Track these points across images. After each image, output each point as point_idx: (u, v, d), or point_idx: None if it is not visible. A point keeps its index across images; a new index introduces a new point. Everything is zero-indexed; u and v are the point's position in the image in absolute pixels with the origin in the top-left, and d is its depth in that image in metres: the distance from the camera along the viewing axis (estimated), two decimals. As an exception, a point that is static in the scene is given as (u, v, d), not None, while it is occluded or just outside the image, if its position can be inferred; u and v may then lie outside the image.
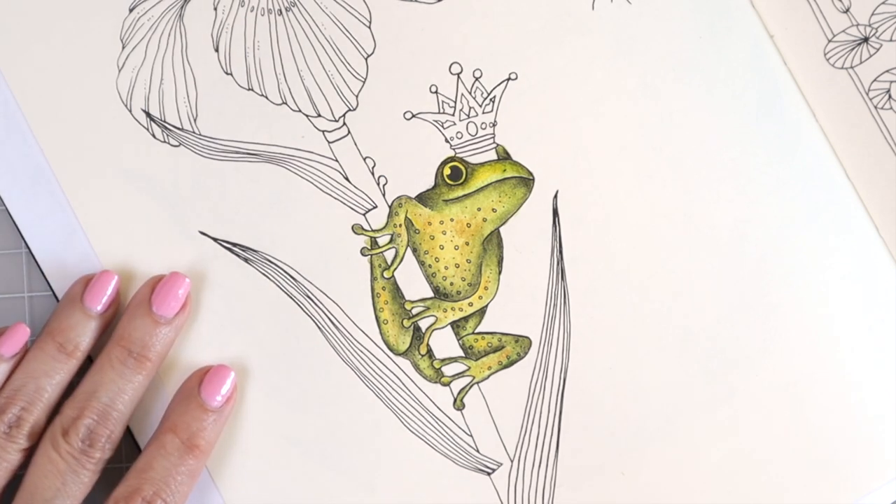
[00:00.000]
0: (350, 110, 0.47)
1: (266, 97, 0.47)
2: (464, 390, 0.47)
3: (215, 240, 0.47)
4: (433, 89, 0.47)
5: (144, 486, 0.43)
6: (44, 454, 0.43)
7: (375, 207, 0.47)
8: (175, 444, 0.44)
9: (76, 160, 0.47)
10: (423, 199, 0.47)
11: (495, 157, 0.47)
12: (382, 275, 0.47)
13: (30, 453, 0.44)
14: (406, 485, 0.47)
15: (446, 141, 0.47)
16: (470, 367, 0.47)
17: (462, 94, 0.47)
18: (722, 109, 0.47)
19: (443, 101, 0.47)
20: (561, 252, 0.47)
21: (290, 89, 0.47)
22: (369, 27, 0.47)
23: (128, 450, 0.47)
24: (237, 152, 0.47)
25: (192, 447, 0.44)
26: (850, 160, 0.48)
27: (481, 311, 0.47)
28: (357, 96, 0.47)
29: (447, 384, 0.47)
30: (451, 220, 0.47)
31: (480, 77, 0.47)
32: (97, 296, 0.45)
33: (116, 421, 0.44)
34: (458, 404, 0.47)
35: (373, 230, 0.47)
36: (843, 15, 0.48)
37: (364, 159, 0.47)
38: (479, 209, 0.47)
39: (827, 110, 0.48)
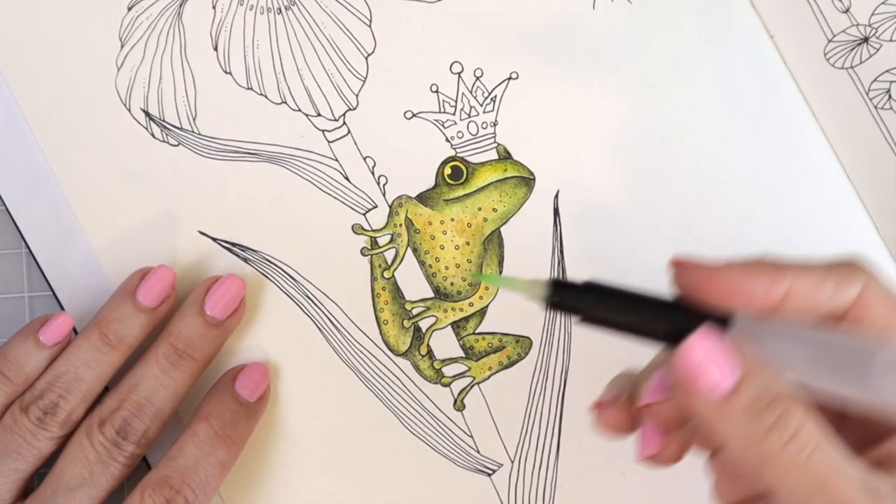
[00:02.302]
0: (350, 109, 0.47)
1: (265, 96, 0.47)
2: (464, 391, 0.47)
3: (214, 239, 0.47)
4: (434, 88, 0.47)
5: (173, 475, 0.42)
6: (77, 442, 0.43)
7: (375, 207, 0.47)
8: (208, 432, 0.43)
9: (76, 160, 0.46)
10: (423, 198, 0.47)
11: (496, 156, 0.47)
12: (382, 275, 0.47)
13: (65, 441, 0.43)
14: (406, 486, 0.47)
15: (447, 140, 0.47)
16: (470, 368, 0.47)
17: (463, 94, 0.47)
18: (722, 109, 0.47)
19: (443, 101, 0.47)
20: (562, 252, 0.47)
21: (289, 88, 0.47)
22: (370, 26, 0.47)
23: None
24: (236, 152, 0.47)
25: (224, 437, 0.43)
26: (850, 160, 0.48)
27: (482, 312, 0.47)
28: (357, 95, 0.47)
29: (447, 385, 0.47)
30: (452, 219, 0.47)
31: (481, 76, 0.47)
32: (149, 290, 0.44)
33: (154, 417, 0.43)
34: (459, 405, 0.47)
35: (373, 230, 0.47)
36: (843, 15, 0.48)
37: (364, 159, 0.47)
38: (479, 209, 0.47)
39: (827, 110, 0.48)
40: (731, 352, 0.34)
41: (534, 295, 0.36)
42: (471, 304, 0.47)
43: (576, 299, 0.35)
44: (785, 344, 0.34)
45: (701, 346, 0.34)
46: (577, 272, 0.47)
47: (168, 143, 0.47)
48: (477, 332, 0.47)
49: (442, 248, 0.47)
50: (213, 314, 0.44)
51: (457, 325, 0.47)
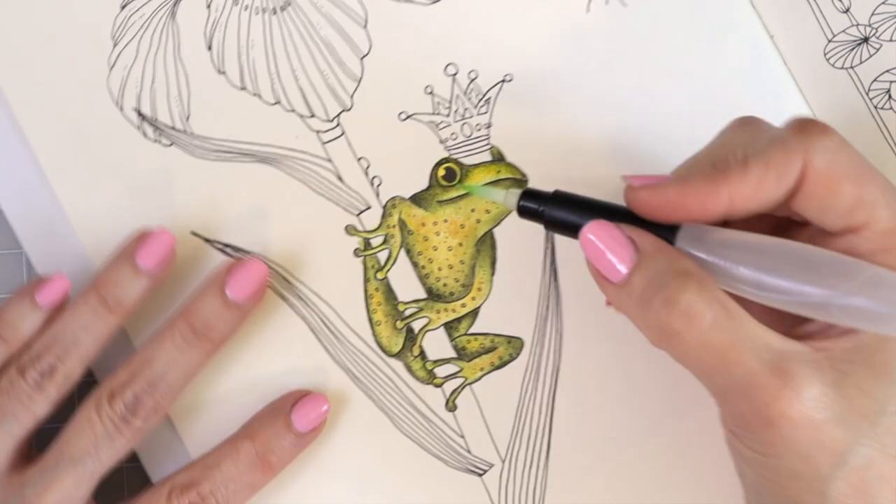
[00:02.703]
0: (344, 110, 0.47)
1: (259, 97, 0.47)
2: (456, 391, 0.47)
3: (207, 240, 0.47)
4: (428, 90, 0.47)
5: (203, 482, 0.43)
6: (84, 413, 0.43)
7: (369, 208, 0.47)
8: (249, 452, 0.44)
9: (68, 160, 0.46)
10: (417, 199, 0.47)
11: (490, 158, 0.47)
12: (375, 276, 0.47)
13: (58, 406, 0.43)
14: (398, 486, 0.47)
15: (441, 142, 0.47)
16: (462, 369, 0.47)
17: (457, 96, 0.47)
18: (722, 110, 0.47)
19: (438, 102, 0.47)
20: (553, 253, 0.47)
21: (283, 89, 0.46)
22: (365, 27, 0.47)
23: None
24: (230, 152, 0.47)
25: (263, 462, 0.44)
26: (849, 161, 0.48)
27: (474, 313, 0.47)
28: (352, 96, 0.47)
29: (439, 385, 0.47)
30: (445, 221, 0.47)
31: (476, 78, 0.47)
32: (148, 253, 0.43)
33: (164, 393, 0.43)
34: (451, 405, 0.47)
35: (366, 231, 0.47)
36: (843, 15, 0.47)
37: (358, 160, 0.47)
38: (472, 210, 0.47)
39: (827, 110, 0.48)
40: (623, 241, 0.36)
41: (509, 202, 0.40)
42: (463, 305, 0.47)
43: (543, 204, 0.39)
44: (730, 251, 0.35)
45: (593, 235, 0.37)
46: (570, 274, 0.47)
47: (161, 143, 0.46)
48: (469, 332, 0.47)
49: (435, 250, 0.47)
50: (235, 298, 0.44)
51: (449, 326, 0.47)
